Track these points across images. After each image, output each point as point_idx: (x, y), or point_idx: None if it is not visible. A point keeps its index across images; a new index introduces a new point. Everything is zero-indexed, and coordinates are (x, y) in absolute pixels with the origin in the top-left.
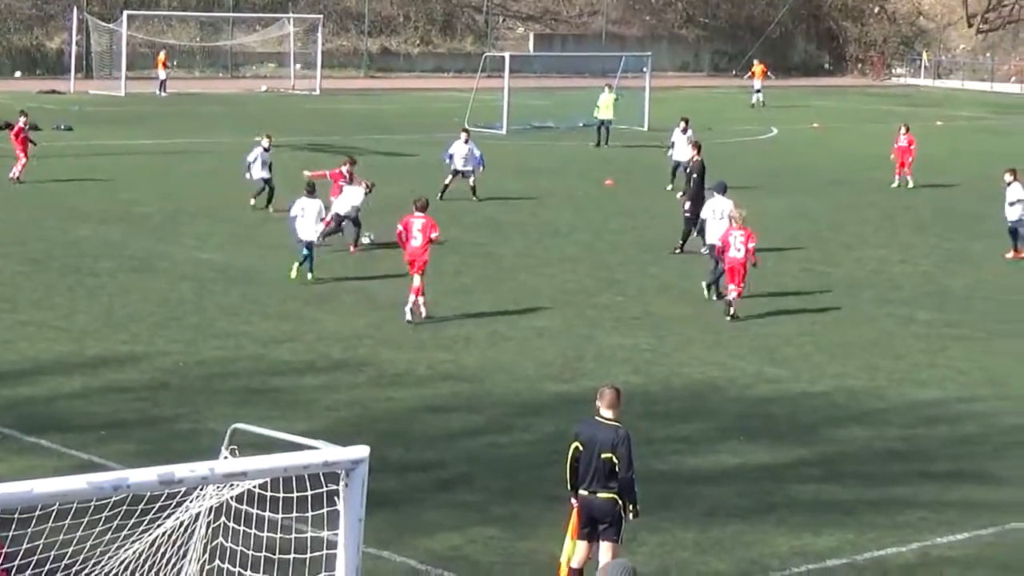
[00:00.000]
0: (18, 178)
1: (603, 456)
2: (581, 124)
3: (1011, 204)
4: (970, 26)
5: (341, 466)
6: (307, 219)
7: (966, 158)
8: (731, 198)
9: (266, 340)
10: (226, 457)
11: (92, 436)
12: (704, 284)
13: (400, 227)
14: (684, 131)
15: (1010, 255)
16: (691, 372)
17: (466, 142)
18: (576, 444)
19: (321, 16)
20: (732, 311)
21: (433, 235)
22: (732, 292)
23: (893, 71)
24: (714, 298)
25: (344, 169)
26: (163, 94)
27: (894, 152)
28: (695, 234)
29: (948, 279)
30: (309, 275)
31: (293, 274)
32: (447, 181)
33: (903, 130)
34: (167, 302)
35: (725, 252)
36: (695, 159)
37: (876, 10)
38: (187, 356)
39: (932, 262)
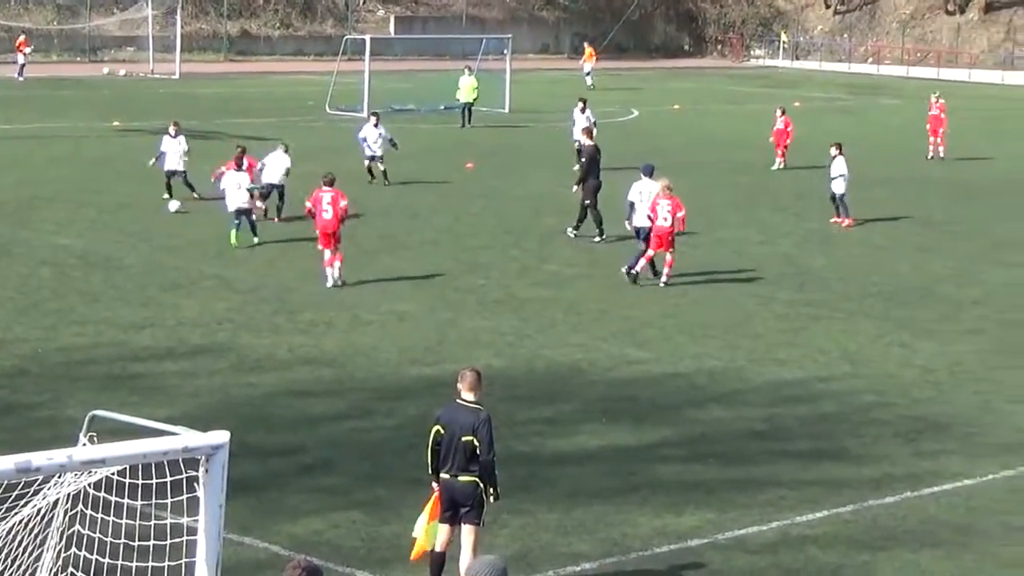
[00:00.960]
0: None
1: (464, 439)
2: (443, 107)
3: (834, 178)
4: (827, 7)
5: (201, 452)
6: (237, 189)
7: (824, 139)
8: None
9: (126, 326)
10: (85, 444)
11: None
12: (624, 269)
13: (309, 203)
14: (583, 111)
15: (834, 220)
16: (553, 354)
17: (376, 125)
18: (437, 427)
19: None
20: (662, 277)
21: (342, 203)
22: (666, 259)
23: (752, 52)
24: (652, 276)
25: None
26: (21, 78)
27: (772, 135)
28: (592, 217)
29: (807, 259)
30: (255, 239)
31: (232, 240)
32: (367, 165)
33: (779, 112)
34: (25, 288)
35: (653, 222)
36: (587, 144)
37: None
38: (46, 343)
39: (791, 242)
